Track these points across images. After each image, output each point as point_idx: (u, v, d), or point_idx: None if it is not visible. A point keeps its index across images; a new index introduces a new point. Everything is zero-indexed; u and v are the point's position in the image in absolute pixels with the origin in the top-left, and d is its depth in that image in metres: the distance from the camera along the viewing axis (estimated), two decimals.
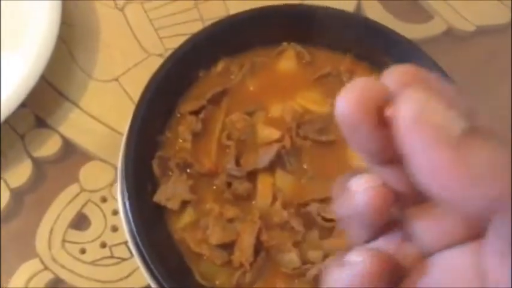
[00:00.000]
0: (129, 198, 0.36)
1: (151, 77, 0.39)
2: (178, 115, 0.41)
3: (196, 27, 0.47)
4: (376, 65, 0.44)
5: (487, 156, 0.13)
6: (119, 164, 0.38)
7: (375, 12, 0.53)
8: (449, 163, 0.13)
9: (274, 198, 0.39)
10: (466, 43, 0.54)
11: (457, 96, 0.14)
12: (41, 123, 0.46)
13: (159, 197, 0.38)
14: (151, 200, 0.38)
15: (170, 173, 0.39)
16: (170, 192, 0.38)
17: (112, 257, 0.42)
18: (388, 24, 0.44)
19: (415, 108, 0.13)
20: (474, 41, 0.54)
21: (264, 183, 0.39)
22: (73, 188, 0.43)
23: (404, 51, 0.43)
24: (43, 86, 0.46)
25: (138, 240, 0.35)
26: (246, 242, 0.37)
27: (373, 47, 0.44)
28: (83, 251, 0.42)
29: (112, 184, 0.44)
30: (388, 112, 0.14)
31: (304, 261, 0.37)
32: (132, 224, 0.35)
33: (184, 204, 0.38)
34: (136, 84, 0.40)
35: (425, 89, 0.14)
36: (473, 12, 0.55)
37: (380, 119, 0.14)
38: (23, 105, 0.44)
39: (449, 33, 0.54)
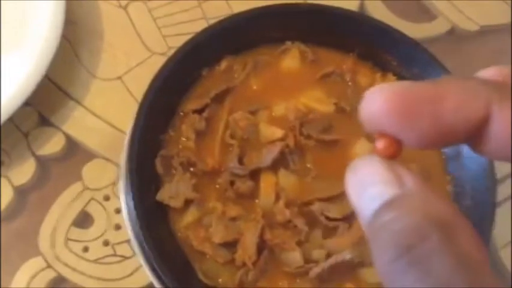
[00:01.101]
0: (132, 197, 0.36)
1: (154, 76, 0.39)
2: (182, 114, 0.41)
3: (200, 26, 0.47)
4: (380, 65, 0.44)
5: None
6: (122, 162, 0.38)
7: (378, 12, 0.53)
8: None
9: (277, 197, 0.39)
10: (470, 43, 0.54)
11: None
12: (44, 121, 0.46)
13: (162, 196, 0.38)
14: (154, 199, 0.38)
15: (173, 172, 0.39)
16: (173, 190, 0.38)
17: (115, 255, 0.42)
18: (392, 23, 0.44)
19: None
20: (478, 40, 0.54)
21: (267, 182, 0.39)
22: (76, 186, 0.44)
23: (409, 50, 0.43)
24: (47, 84, 0.47)
25: (140, 238, 0.35)
26: (249, 241, 0.37)
27: (377, 46, 0.44)
28: (85, 249, 0.42)
29: (115, 182, 0.44)
30: None
31: (307, 260, 0.37)
32: (135, 222, 0.35)
33: (188, 202, 0.38)
34: (140, 83, 0.40)
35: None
36: (477, 12, 0.55)
37: None
38: (27, 103, 0.44)
39: (453, 33, 0.54)
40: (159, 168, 0.38)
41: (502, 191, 0.46)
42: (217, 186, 0.39)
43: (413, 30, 0.53)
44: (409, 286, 0.14)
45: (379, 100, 0.16)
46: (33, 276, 0.41)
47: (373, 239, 0.15)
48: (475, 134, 0.16)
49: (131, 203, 0.36)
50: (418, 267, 0.14)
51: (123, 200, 0.38)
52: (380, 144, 0.17)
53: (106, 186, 0.44)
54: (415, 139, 0.16)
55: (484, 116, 0.16)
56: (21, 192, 0.44)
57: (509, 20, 0.55)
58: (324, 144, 0.41)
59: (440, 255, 0.14)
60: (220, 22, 0.43)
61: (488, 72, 0.18)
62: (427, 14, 0.55)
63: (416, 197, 0.15)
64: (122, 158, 0.39)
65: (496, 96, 0.16)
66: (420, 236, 0.14)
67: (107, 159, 0.45)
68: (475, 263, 0.14)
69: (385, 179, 0.16)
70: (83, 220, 0.43)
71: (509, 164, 0.48)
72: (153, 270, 0.36)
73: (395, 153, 0.17)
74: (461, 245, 0.14)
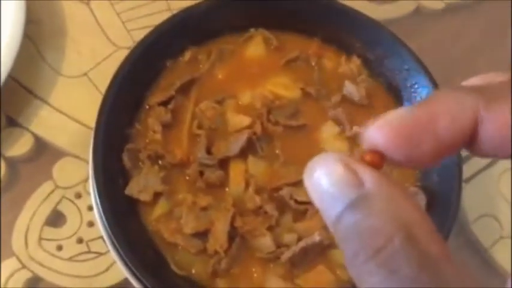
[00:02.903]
0: (99, 193, 0.36)
1: (117, 69, 0.39)
2: (147, 107, 0.41)
3: (165, 18, 0.47)
4: (344, 48, 0.44)
5: None
6: (90, 159, 0.38)
7: None
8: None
9: (247, 185, 0.39)
10: (435, 21, 0.54)
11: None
12: (11, 122, 0.45)
13: (131, 190, 0.38)
14: (123, 193, 0.38)
15: (141, 165, 0.39)
16: (142, 184, 0.38)
17: (89, 252, 0.42)
18: (357, 5, 0.44)
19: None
20: (444, 18, 0.55)
21: (236, 170, 0.39)
22: (47, 186, 0.43)
23: (372, 32, 0.43)
24: (12, 85, 0.46)
25: (111, 234, 0.35)
26: (220, 229, 0.37)
27: (341, 29, 0.44)
28: (59, 248, 0.42)
29: (86, 180, 0.43)
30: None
31: (279, 244, 0.37)
32: (104, 218, 0.35)
33: (157, 195, 0.38)
34: (106, 78, 0.40)
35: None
36: None
37: None
38: None
39: (419, 12, 0.54)
40: (127, 162, 0.38)
41: (470, 167, 0.47)
42: (186, 177, 0.39)
43: (379, 11, 0.53)
44: (377, 286, 0.15)
45: (382, 136, 0.17)
46: (9, 278, 0.41)
47: (340, 241, 0.16)
48: (470, 139, 0.17)
49: (99, 200, 0.36)
50: (384, 268, 0.15)
51: (93, 197, 0.37)
52: (368, 157, 0.18)
53: (77, 184, 0.44)
54: (420, 162, 0.17)
55: (474, 122, 0.17)
56: None
57: None
58: (291, 129, 0.41)
59: (403, 255, 0.15)
60: (182, 12, 0.43)
61: (473, 80, 0.19)
62: None
63: (378, 198, 0.16)
64: (89, 155, 0.38)
65: (481, 101, 0.17)
66: (384, 239, 0.15)
67: (77, 157, 0.44)
68: (436, 260, 0.15)
69: (343, 179, 0.16)
70: (56, 219, 0.43)
71: None
72: (126, 265, 0.36)
73: (380, 166, 0.18)
74: (422, 243, 0.15)
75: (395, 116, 0.17)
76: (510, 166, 0.48)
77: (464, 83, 0.19)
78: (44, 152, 0.45)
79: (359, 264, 0.15)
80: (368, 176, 0.16)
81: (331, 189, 0.16)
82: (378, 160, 0.17)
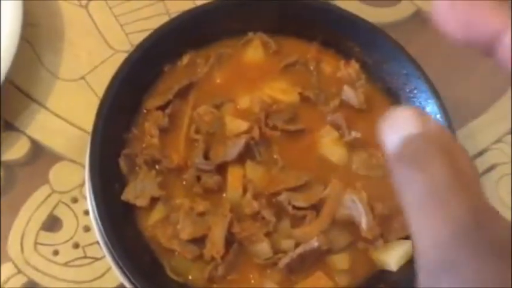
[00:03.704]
0: (95, 198, 0.35)
1: (114, 73, 0.39)
2: (145, 111, 0.41)
3: (163, 21, 0.46)
4: (343, 52, 0.44)
5: None
6: (86, 163, 0.38)
7: None
8: None
9: (245, 190, 0.39)
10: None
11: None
12: (8, 126, 0.45)
13: (128, 195, 0.37)
14: (119, 199, 0.37)
15: (138, 170, 0.39)
16: (139, 189, 0.38)
17: (85, 257, 0.41)
18: (355, 9, 0.44)
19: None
20: None
21: (234, 175, 0.39)
22: (43, 190, 0.43)
23: (370, 36, 0.43)
24: (9, 88, 0.46)
25: (106, 239, 0.35)
26: (217, 235, 0.37)
27: (339, 34, 0.44)
28: (55, 253, 0.41)
29: (82, 184, 0.43)
30: None
31: (277, 250, 0.37)
32: (100, 224, 0.35)
33: (154, 200, 0.38)
34: (104, 82, 0.40)
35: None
36: None
37: None
38: None
39: (418, 16, 0.54)
40: (123, 167, 0.38)
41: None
42: (183, 182, 0.39)
43: (378, 15, 0.52)
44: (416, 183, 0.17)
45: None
46: (5, 283, 0.40)
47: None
48: (493, 46, 0.19)
49: (95, 205, 0.35)
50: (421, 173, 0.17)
51: (89, 202, 0.37)
52: None
53: (74, 189, 0.43)
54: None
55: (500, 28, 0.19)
56: None
57: None
58: (289, 134, 0.41)
59: (440, 163, 0.17)
60: (181, 16, 0.43)
61: None
62: None
63: (433, 134, 0.18)
64: (86, 159, 0.38)
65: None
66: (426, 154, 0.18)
67: (74, 161, 0.44)
68: (468, 175, 0.18)
69: (413, 121, 0.19)
70: (52, 223, 0.42)
71: (475, 142, 0.48)
72: (122, 270, 0.35)
73: None
74: (459, 162, 0.18)
75: None
76: (509, 171, 0.48)
77: None
78: (41, 156, 0.44)
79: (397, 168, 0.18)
80: (433, 124, 0.19)
81: (401, 125, 0.19)
82: None
